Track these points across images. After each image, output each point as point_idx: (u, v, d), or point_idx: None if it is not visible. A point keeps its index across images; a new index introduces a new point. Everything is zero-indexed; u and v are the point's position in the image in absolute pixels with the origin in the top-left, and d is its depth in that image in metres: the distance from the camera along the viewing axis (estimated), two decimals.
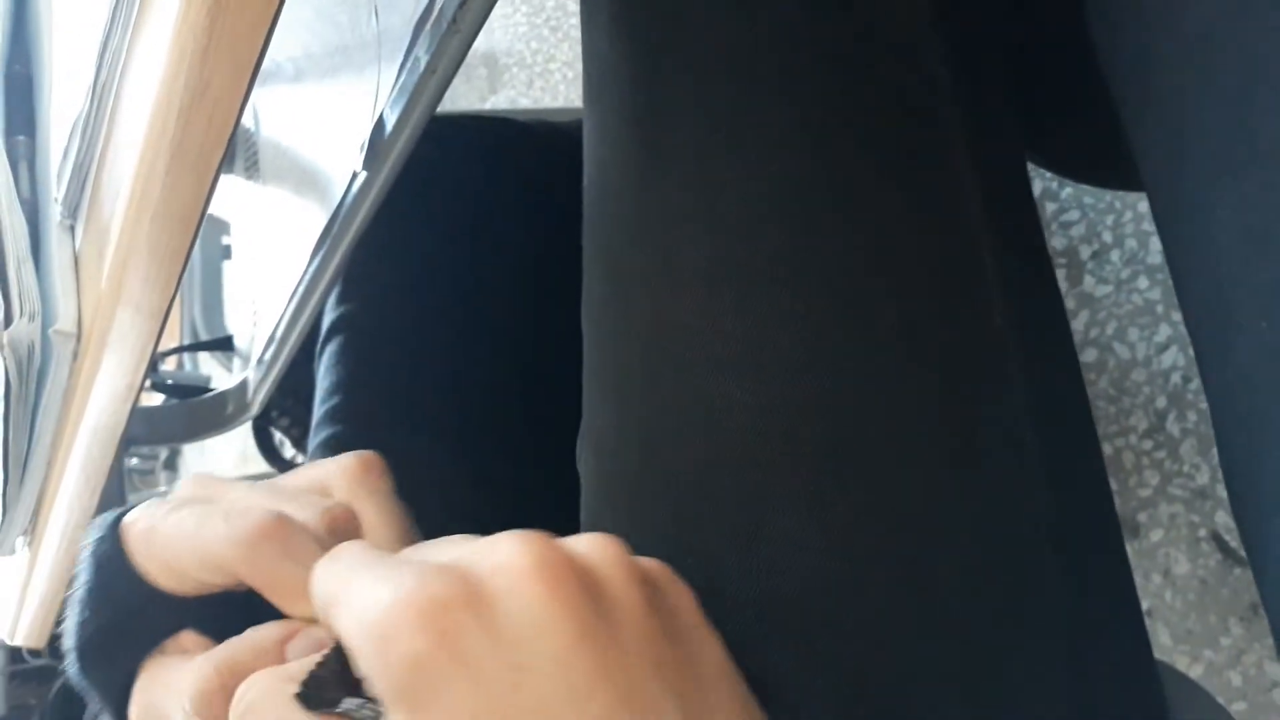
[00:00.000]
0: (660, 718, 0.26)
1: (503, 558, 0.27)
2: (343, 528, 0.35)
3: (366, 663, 0.26)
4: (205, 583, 0.34)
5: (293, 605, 0.32)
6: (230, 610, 0.34)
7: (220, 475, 0.38)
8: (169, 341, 1.68)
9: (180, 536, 0.34)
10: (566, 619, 0.26)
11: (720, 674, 0.29)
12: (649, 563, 0.30)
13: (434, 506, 0.38)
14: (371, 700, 0.28)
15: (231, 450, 3.51)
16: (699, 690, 0.28)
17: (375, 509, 0.36)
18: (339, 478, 0.36)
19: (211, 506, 0.34)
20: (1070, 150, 0.62)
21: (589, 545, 0.29)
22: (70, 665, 0.36)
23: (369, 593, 0.27)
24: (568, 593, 0.26)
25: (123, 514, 0.36)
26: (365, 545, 0.31)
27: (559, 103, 1.76)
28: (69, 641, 0.36)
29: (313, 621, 0.32)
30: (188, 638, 0.35)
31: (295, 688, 0.28)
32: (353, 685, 0.28)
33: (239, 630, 0.33)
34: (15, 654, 2.11)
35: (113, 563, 0.35)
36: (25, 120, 0.57)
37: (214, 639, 0.35)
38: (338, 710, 0.28)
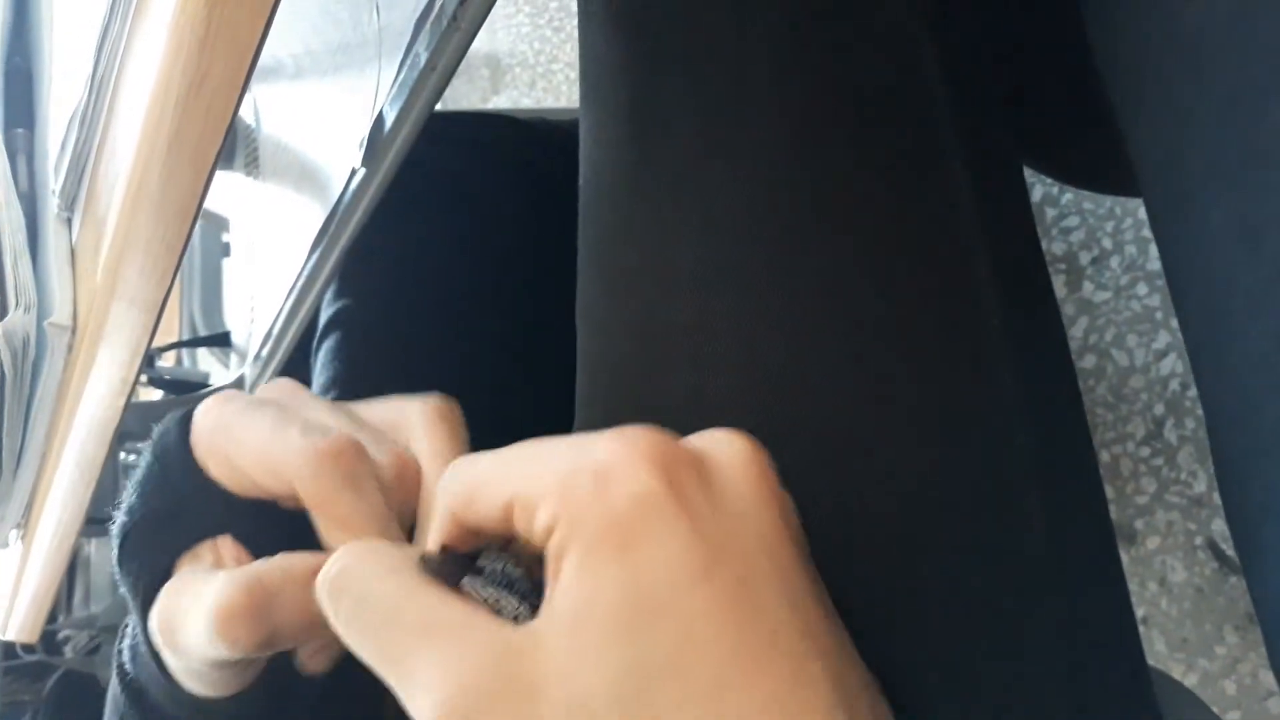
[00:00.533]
0: (828, 650, 0.26)
1: (718, 439, 0.27)
2: (410, 477, 0.34)
3: (570, 502, 0.25)
4: (260, 487, 0.33)
5: (337, 533, 0.32)
6: (275, 528, 0.34)
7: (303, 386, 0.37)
8: (168, 337, 1.68)
9: (252, 435, 0.33)
10: (777, 510, 0.26)
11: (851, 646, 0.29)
12: None
13: None
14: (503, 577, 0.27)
15: None
16: (845, 648, 0.28)
17: (455, 449, 0.35)
18: (421, 414, 0.35)
19: (290, 413, 0.34)
20: (1069, 156, 0.61)
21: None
22: (112, 552, 0.35)
23: (579, 449, 0.26)
24: (776, 489, 0.27)
25: (193, 410, 0.35)
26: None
27: (561, 103, 1.77)
28: (115, 527, 0.35)
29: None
30: (226, 545, 0.34)
31: (407, 561, 0.28)
32: (471, 569, 0.28)
33: (277, 549, 0.33)
34: (9, 649, 2.11)
35: (174, 452, 0.35)
36: (24, 113, 0.57)
37: (252, 553, 0.34)
38: (459, 583, 0.27)
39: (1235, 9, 0.28)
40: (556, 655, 0.24)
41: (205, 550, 0.34)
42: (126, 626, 0.38)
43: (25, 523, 0.69)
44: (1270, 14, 0.27)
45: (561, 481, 0.25)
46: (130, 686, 0.36)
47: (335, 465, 0.32)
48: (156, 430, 0.36)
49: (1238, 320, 0.29)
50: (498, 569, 0.28)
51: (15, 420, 0.54)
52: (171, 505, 0.34)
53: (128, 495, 0.36)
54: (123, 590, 0.35)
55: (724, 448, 0.27)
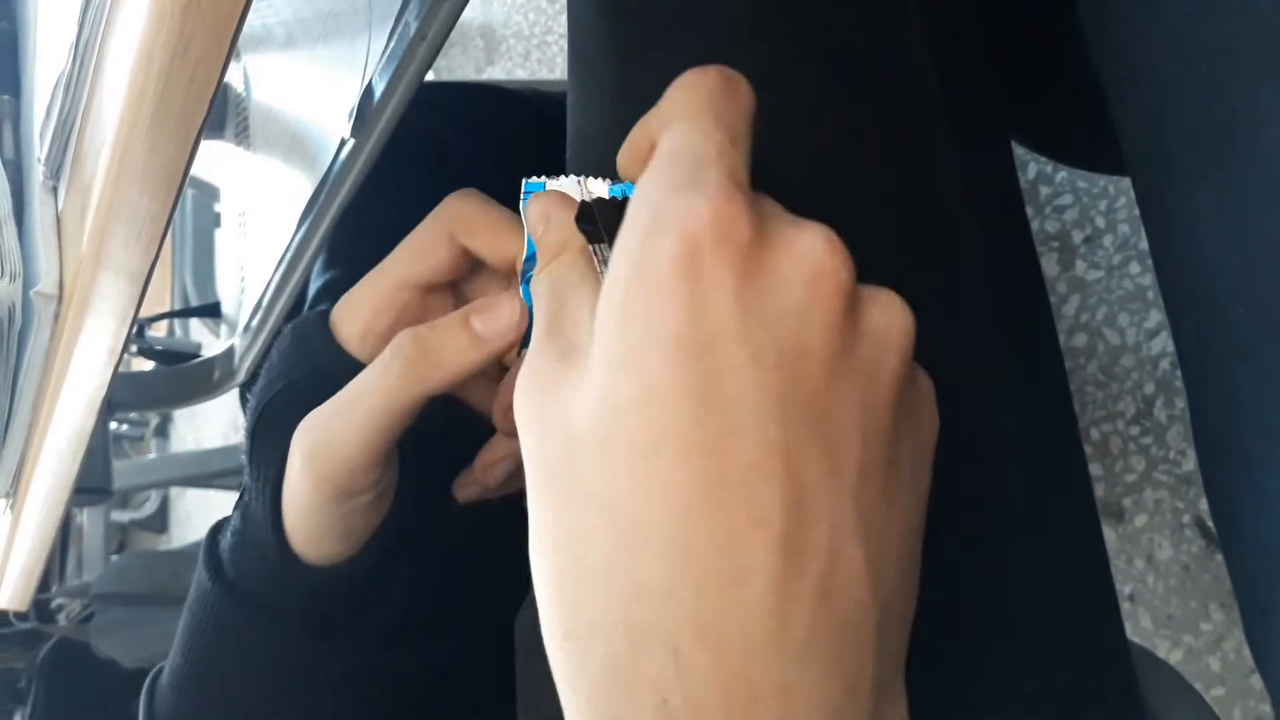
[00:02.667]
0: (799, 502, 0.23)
1: (798, 230, 0.25)
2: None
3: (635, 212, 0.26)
4: (425, 268, 0.37)
5: (504, 245, 0.36)
6: None
7: None
8: (161, 306, 1.67)
9: (403, 245, 0.37)
10: (822, 323, 0.24)
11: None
12: None
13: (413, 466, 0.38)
14: None
15: (223, 418, 3.51)
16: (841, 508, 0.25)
17: None
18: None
19: None
20: (1062, 135, 0.61)
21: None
22: (247, 425, 0.38)
23: (677, 184, 0.25)
24: (832, 304, 0.25)
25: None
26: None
27: (556, 75, 1.75)
28: (253, 398, 0.38)
29: (508, 269, 0.36)
30: None
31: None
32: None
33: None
34: (1, 618, 2.11)
35: (314, 328, 0.38)
36: (10, 79, 0.57)
37: None
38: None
39: None
40: (588, 371, 0.25)
41: None
42: (223, 526, 0.40)
43: (14, 492, 0.69)
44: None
45: (643, 200, 0.26)
46: (222, 580, 0.39)
47: (466, 197, 0.38)
48: (294, 321, 0.40)
49: (1221, 302, 0.29)
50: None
51: (2, 390, 0.54)
52: (312, 375, 0.37)
53: (266, 370, 0.39)
54: (248, 466, 0.38)
55: (795, 242, 0.25)
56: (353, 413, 0.34)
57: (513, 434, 0.37)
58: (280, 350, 0.39)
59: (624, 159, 0.31)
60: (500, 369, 0.38)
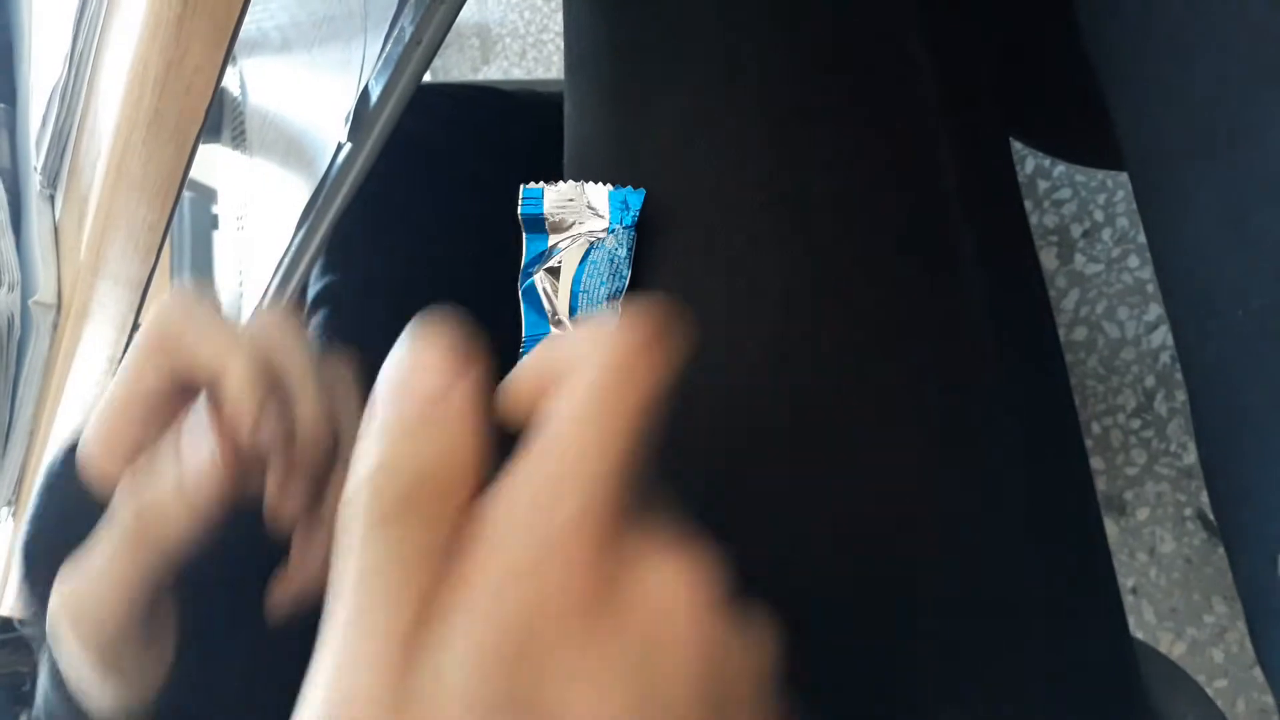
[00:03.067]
0: None
1: (661, 564, 0.20)
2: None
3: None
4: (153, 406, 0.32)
5: (209, 358, 0.31)
6: None
7: None
8: None
9: (121, 365, 0.33)
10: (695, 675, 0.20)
11: None
12: None
13: None
14: None
15: None
16: None
17: None
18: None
19: None
20: (1060, 131, 0.61)
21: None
22: (18, 572, 0.34)
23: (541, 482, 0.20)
24: (704, 652, 0.20)
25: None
26: None
27: (552, 74, 1.75)
28: (18, 542, 0.34)
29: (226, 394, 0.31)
30: None
31: None
32: None
33: None
34: (5, 623, 2.11)
35: (60, 467, 0.34)
36: (5, 87, 0.57)
37: None
38: None
39: None
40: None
41: None
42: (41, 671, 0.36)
43: (16, 500, 0.69)
44: None
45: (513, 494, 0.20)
46: None
47: (181, 298, 0.32)
48: (60, 449, 0.36)
49: (1220, 301, 0.29)
50: None
51: (2, 399, 0.54)
52: (71, 516, 0.33)
53: (32, 506, 0.35)
54: (34, 612, 0.34)
55: (660, 574, 0.20)
56: (98, 580, 0.30)
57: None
58: (40, 486, 0.35)
59: (510, 404, 0.23)
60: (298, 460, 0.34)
